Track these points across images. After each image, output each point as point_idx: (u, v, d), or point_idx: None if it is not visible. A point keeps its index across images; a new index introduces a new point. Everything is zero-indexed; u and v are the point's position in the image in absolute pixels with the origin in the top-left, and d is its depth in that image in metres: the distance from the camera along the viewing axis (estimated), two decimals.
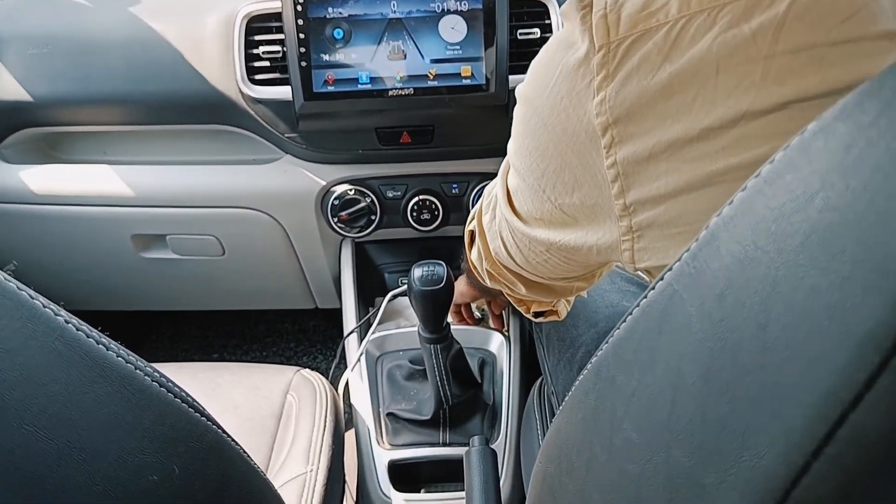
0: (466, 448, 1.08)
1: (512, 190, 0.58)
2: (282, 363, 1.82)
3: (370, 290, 1.40)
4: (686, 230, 0.43)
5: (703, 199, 0.41)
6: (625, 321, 0.38)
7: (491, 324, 1.28)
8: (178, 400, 0.45)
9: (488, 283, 0.81)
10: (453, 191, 1.25)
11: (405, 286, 1.32)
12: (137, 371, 0.42)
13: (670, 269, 0.34)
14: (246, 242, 1.33)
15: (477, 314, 1.34)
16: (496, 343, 1.26)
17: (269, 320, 2.00)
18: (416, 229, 1.27)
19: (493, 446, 1.10)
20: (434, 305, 0.98)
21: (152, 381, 0.43)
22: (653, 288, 0.36)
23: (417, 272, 0.98)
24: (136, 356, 0.43)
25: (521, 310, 0.87)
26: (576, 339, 0.98)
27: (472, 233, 0.78)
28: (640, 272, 0.78)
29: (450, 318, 1.18)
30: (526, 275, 0.68)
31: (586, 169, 0.47)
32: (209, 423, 0.48)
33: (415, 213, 1.25)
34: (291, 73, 1.06)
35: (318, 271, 1.40)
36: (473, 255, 0.80)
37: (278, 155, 1.24)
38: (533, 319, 0.89)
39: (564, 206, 0.51)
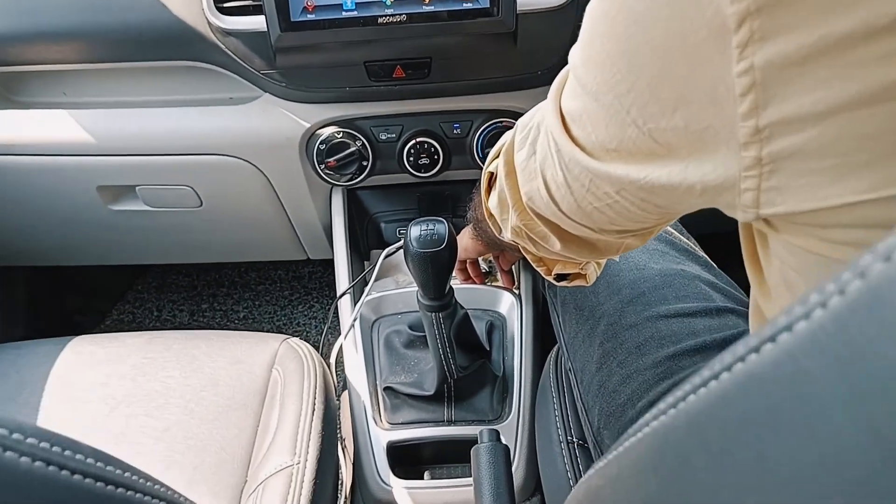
0: (473, 427, 1.00)
1: (572, 115, 0.50)
2: (275, 313, 1.81)
3: (365, 242, 1.36)
4: (841, 163, 0.34)
5: (875, 120, 0.33)
6: (702, 385, 0.29)
7: (500, 280, 1.22)
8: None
9: (506, 237, 0.73)
10: (455, 131, 1.18)
11: (402, 242, 1.21)
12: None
13: (789, 330, 0.23)
14: (225, 193, 1.28)
15: (483, 266, 1.28)
16: (506, 304, 1.21)
17: (259, 268, 1.97)
18: (414, 175, 1.21)
19: (504, 424, 1.02)
20: (434, 269, 0.92)
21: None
22: (755, 350, 0.25)
23: (414, 231, 0.92)
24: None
25: (541, 271, 0.80)
26: (596, 308, 0.92)
27: (493, 176, 0.72)
28: (669, 228, 0.65)
29: (454, 277, 1.14)
30: (568, 225, 0.60)
31: (700, 79, 0.38)
32: None
33: (412, 158, 1.18)
34: (265, 0, 0.98)
35: (307, 222, 1.36)
36: (492, 203, 0.73)
37: (256, 93, 1.18)
38: (554, 283, 0.82)
39: (657, 132, 0.43)
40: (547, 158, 0.56)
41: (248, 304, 1.90)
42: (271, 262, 1.89)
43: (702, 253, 0.99)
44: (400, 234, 1.33)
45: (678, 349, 0.83)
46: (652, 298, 0.89)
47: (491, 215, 0.76)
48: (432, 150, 1.18)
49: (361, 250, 1.35)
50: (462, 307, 1.03)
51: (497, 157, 0.71)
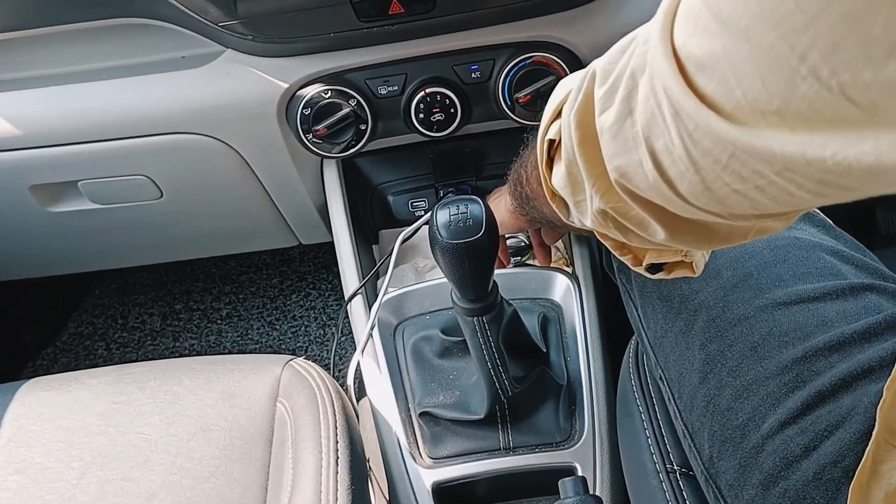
0: (538, 453, 1.03)
1: (700, 61, 0.45)
2: (265, 307, 1.82)
3: (371, 221, 1.33)
4: None
5: None
6: None
7: (533, 260, 1.21)
8: None
9: (579, 222, 0.70)
10: (473, 75, 1.14)
11: (421, 218, 1.23)
12: None
13: None
14: (190, 178, 1.26)
15: (521, 237, 1.27)
16: (559, 288, 1.17)
17: (240, 254, 1.93)
18: (427, 135, 1.17)
19: (576, 447, 1.04)
20: (473, 264, 0.88)
21: None
22: None
23: (442, 216, 0.88)
24: None
25: (625, 260, 0.75)
26: (689, 298, 0.85)
27: (554, 144, 0.69)
28: None
29: None
30: (683, 210, 0.55)
31: None
32: None
33: (422, 115, 1.14)
34: None
35: (296, 204, 1.34)
36: (558, 182, 0.68)
37: (215, 50, 1.14)
38: (647, 275, 0.76)
39: (855, 88, 0.36)
40: (655, 122, 0.51)
41: (231, 298, 1.87)
42: None
43: (816, 209, 0.91)
44: (414, 207, 1.28)
45: (808, 347, 0.75)
46: (763, 280, 0.81)
47: (554, 195, 0.72)
48: (446, 101, 1.14)
49: (367, 232, 1.33)
50: (508, 303, 0.98)
51: (557, 115, 0.66)
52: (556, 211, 0.74)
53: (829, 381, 0.72)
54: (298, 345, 1.76)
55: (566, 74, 1.10)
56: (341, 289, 1.22)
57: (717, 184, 0.49)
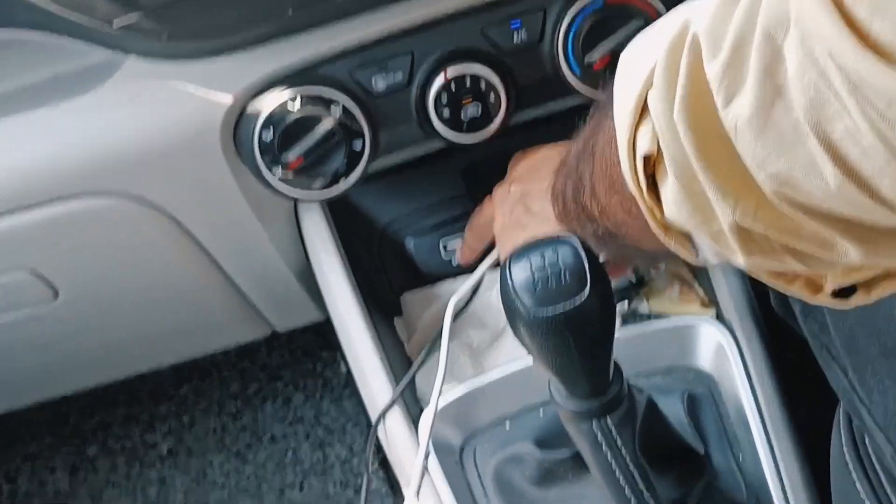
0: None
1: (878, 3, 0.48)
2: (225, 428, 1.85)
3: (385, 282, 1.36)
4: None
5: None
6: None
7: (660, 287, 1.24)
8: None
9: (732, 259, 0.70)
10: (516, 38, 1.16)
11: (480, 267, 1.25)
12: None
13: None
14: (97, 265, 1.30)
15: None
16: (707, 347, 1.20)
17: None
18: (457, 144, 1.19)
19: None
20: (582, 342, 0.89)
21: None
22: None
23: (519, 274, 0.89)
24: None
25: (796, 291, 0.76)
26: None
27: (651, 161, 0.69)
28: None
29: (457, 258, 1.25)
30: (884, 217, 0.57)
31: None
32: None
33: (447, 111, 1.16)
34: None
35: (265, 277, 1.39)
36: (671, 210, 0.71)
37: (111, 60, 1.16)
38: (837, 305, 0.77)
39: None
40: (824, 101, 0.52)
41: (171, 424, 1.89)
42: None
43: None
44: (450, 251, 1.32)
45: None
46: None
47: (668, 229, 0.73)
48: (481, 85, 1.15)
49: (381, 300, 1.35)
50: (638, 389, 1.00)
51: (641, 111, 0.68)
52: (674, 250, 0.75)
53: None
54: (287, 481, 1.78)
55: (660, 16, 1.12)
56: (340, 382, 1.28)
57: None
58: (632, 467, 0.97)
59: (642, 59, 0.67)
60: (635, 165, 0.70)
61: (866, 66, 0.48)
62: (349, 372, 1.35)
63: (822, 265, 0.67)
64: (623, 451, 0.95)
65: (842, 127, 0.52)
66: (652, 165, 0.70)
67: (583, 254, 0.88)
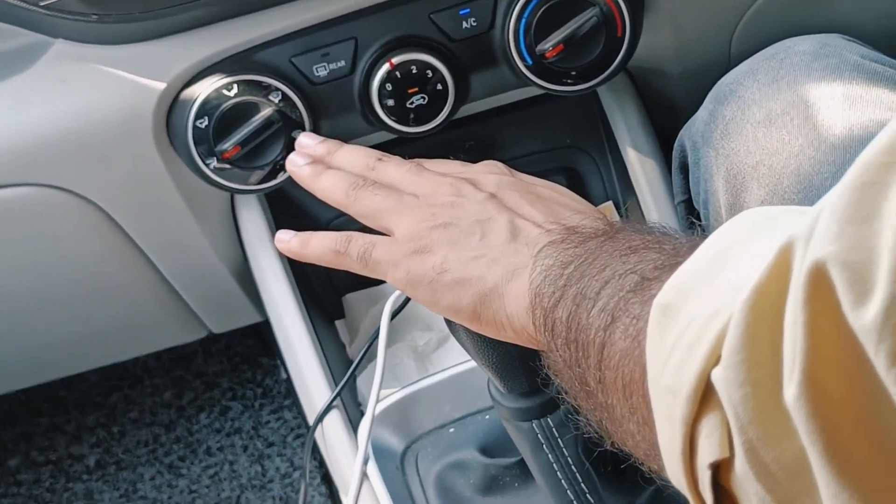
0: None
1: None
2: (157, 440, 1.85)
3: (326, 284, 1.38)
4: None
5: None
6: None
7: None
8: None
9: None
10: (465, 24, 1.18)
11: None
12: None
13: None
14: (15, 261, 1.30)
15: None
16: None
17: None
18: (402, 132, 1.22)
19: None
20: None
21: None
22: None
23: None
24: None
25: None
26: None
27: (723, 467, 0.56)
28: None
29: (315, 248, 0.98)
30: None
31: None
32: None
33: (391, 101, 1.18)
34: None
35: (200, 276, 1.40)
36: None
37: (36, 42, 1.17)
38: None
39: None
40: None
41: (99, 435, 1.85)
42: None
43: None
44: None
45: None
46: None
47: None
48: (428, 74, 1.17)
49: (324, 302, 1.37)
50: None
51: (705, 387, 0.54)
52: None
53: None
54: (223, 496, 1.78)
55: (616, 4, 1.15)
56: (281, 391, 1.26)
57: None
58: (575, 469, 0.97)
59: (700, 305, 0.55)
60: (693, 472, 0.57)
61: None
62: (289, 378, 1.37)
63: None
64: (565, 451, 0.96)
65: None
66: (724, 475, 0.56)
67: None
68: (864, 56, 1.03)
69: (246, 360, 1.89)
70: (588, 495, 0.99)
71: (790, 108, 0.98)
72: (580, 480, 0.97)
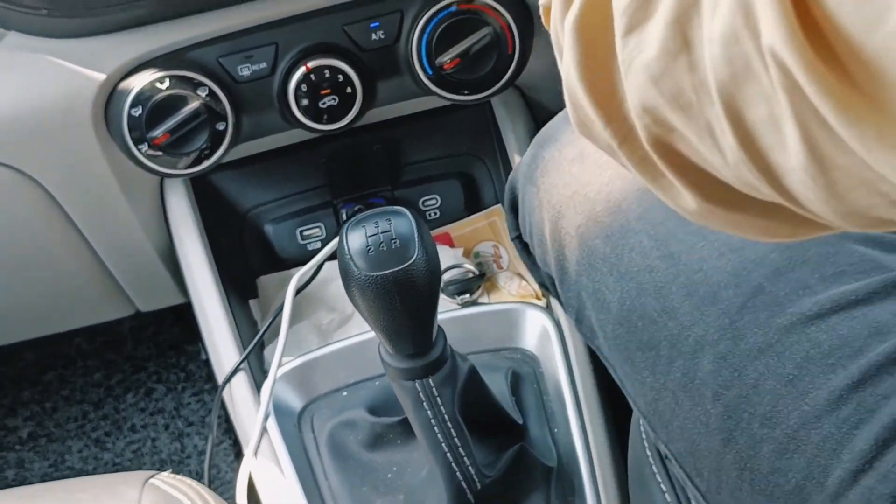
0: None
1: None
2: (86, 416, 1.82)
3: (242, 265, 1.39)
4: None
5: None
6: None
7: (491, 296, 1.26)
8: None
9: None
10: (375, 36, 1.22)
11: (320, 252, 1.30)
12: None
13: None
14: None
15: (468, 266, 1.32)
16: (533, 331, 1.24)
17: (40, 339, 1.82)
18: (315, 129, 1.25)
19: None
20: (407, 302, 0.94)
21: None
22: None
23: (355, 240, 0.94)
24: None
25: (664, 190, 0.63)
26: (680, 338, 0.89)
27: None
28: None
29: None
30: (768, 195, 0.51)
31: None
32: None
33: (306, 101, 1.22)
34: None
35: (129, 254, 1.40)
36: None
37: None
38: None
39: None
40: (749, 78, 0.46)
41: (32, 410, 1.87)
42: None
43: None
44: (305, 238, 1.36)
45: (864, 366, 0.80)
46: (781, 292, 0.86)
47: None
48: (339, 78, 1.21)
49: (239, 282, 1.38)
50: (462, 357, 1.05)
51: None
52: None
53: None
54: (144, 467, 1.77)
55: (508, 26, 1.19)
56: (202, 376, 1.28)
57: (855, 194, 0.46)
58: (450, 426, 1.01)
59: None
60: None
61: (814, 68, 0.41)
62: (208, 360, 1.36)
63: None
64: (443, 409, 1.00)
65: (762, 113, 0.46)
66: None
67: (413, 224, 0.93)
68: None
69: (172, 346, 1.88)
70: (460, 449, 1.03)
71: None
72: (453, 436, 1.02)
